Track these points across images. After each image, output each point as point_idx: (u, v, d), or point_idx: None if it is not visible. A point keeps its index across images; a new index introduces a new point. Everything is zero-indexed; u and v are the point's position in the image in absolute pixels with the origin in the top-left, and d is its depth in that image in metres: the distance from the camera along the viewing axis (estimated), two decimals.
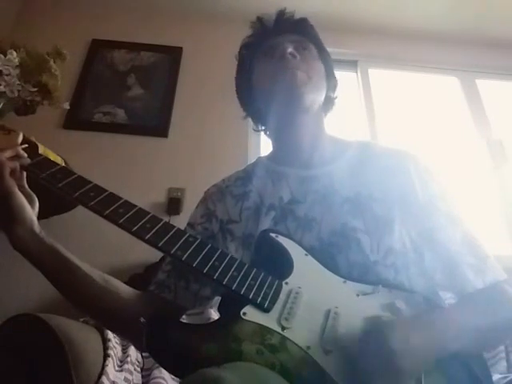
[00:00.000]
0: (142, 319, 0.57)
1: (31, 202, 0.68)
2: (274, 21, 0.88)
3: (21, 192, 0.65)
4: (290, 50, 0.80)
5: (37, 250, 0.65)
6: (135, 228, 0.60)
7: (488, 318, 0.62)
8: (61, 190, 0.63)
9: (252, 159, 1.82)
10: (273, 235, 0.70)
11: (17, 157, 0.66)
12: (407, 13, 2.30)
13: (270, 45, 0.85)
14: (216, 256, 0.62)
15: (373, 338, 0.54)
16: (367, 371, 0.52)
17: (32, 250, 0.65)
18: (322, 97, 0.85)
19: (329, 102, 0.90)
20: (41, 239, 0.66)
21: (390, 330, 0.54)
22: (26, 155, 0.67)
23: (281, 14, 0.88)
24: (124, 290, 0.76)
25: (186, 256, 0.60)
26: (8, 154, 0.64)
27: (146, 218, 0.62)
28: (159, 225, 0.62)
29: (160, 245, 0.60)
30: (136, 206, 0.64)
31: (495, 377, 0.95)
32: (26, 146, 0.70)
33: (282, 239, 0.70)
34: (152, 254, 1.40)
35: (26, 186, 0.69)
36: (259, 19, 0.89)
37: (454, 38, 2.38)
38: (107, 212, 0.61)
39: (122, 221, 0.60)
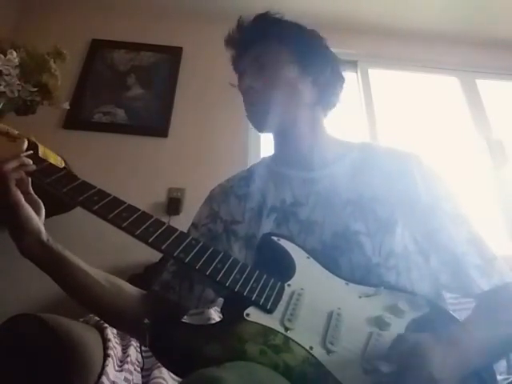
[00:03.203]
0: (146, 320, 0.57)
1: (37, 210, 0.68)
2: (241, 29, 0.87)
3: (27, 199, 0.66)
4: (247, 82, 0.81)
5: (45, 257, 0.67)
6: (138, 231, 0.61)
7: (503, 325, 0.62)
8: (66, 195, 0.64)
9: (252, 159, 1.85)
10: (275, 238, 0.71)
11: (22, 165, 0.66)
12: (407, 13, 2.30)
13: (239, 66, 0.88)
14: (219, 258, 0.62)
15: (412, 362, 0.51)
16: None
17: (40, 258, 0.67)
18: (300, 106, 0.82)
19: (323, 97, 0.85)
20: (48, 247, 0.67)
21: (430, 355, 0.52)
22: (30, 162, 0.67)
23: (255, 18, 0.86)
24: (129, 290, 0.78)
25: (188, 258, 0.60)
26: (12, 164, 0.64)
27: (149, 222, 0.63)
28: (162, 228, 0.63)
29: (163, 248, 0.61)
30: (139, 209, 0.65)
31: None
32: (31, 152, 0.71)
33: (283, 242, 0.70)
34: (152, 255, 1.40)
35: (32, 192, 0.69)
36: (238, 22, 0.88)
37: (454, 38, 2.38)
38: (111, 216, 0.62)
39: (125, 224, 0.61)
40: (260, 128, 0.83)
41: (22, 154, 0.68)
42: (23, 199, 0.65)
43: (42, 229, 0.67)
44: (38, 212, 0.68)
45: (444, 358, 0.53)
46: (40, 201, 0.70)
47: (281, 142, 0.87)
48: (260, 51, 0.83)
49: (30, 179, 0.69)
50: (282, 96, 0.80)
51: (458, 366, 0.54)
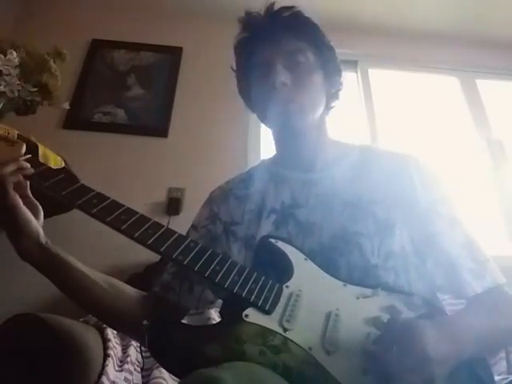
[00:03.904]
0: (145, 322, 0.58)
1: (36, 213, 0.69)
2: (265, 19, 0.82)
3: (26, 202, 0.66)
4: (281, 78, 0.76)
5: (43, 260, 0.67)
6: (137, 234, 0.61)
7: (494, 322, 0.63)
8: (64, 198, 0.64)
9: (252, 159, 1.84)
10: (272, 241, 0.71)
11: (19, 169, 0.66)
12: (407, 13, 2.30)
13: (262, 59, 0.81)
14: (217, 260, 0.62)
15: (404, 339, 0.52)
16: (398, 377, 0.50)
17: (39, 261, 0.67)
18: (320, 110, 0.82)
19: (330, 100, 0.87)
20: (47, 250, 0.67)
21: (423, 332, 0.52)
22: (28, 166, 0.67)
23: (271, 11, 0.82)
24: (129, 292, 0.78)
25: (187, 261, 0.61)
26: (10, 168, 0.64)
27: (148, 224, 0.63)
28: (161, 230, 0.63)
29: (162, 250, 0.61)
30: (138, 212, 0.65)
31: (495, 378, 0.95)
32: (30, 156, 0.71)
33: (281, 244, 0.71)
34: (152, 255, 1.39)
35: (31, 195, 0.70)
36: (248, 15, 0.84)
37: (454, 38, 2.38)
38: (109, 219, 0.62)
39: (124, 227, 0.61)
40: (297, 124, 0.78)
41: (20, 158, 0.68)
42: (21, 203, 0.65)
43: (41, 231, 0.67)
44: (36, 215, 0.68)
45: (437, 339, 0.53)
46: (38, 204, 0.70)
47: (285, 142, 0.86)
48: (295, 48, 0.80)
49: (28, 183, 0.69)
50: (312, 99, 0.79)
51: (452, 350, 0.55)
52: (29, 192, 0.69)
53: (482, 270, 0.70)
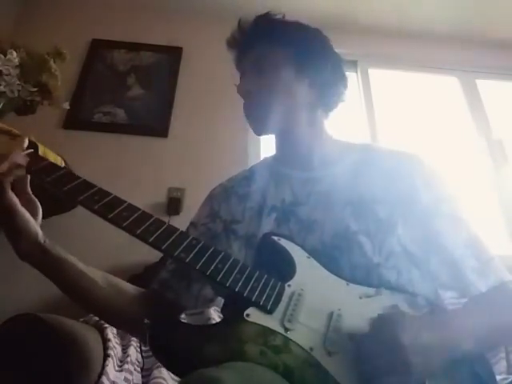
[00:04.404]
0: (146, 320, 0.57)
1: (34, 210, 0.68)
2: (242, 30, 0.86)
3: (24, 199, 0.66)
4: (245, 87, 0.81)
5: (42, 259, 0.67)
6: (139, 231, 0.61)
7: (496, 319, 0.63)
8: (66, 194, 0.64)
9: (252, 159, 1.84)
10: (275, 238, 0.70)
11: (15, 165, 0.65)
12: (407, 13, 2.30)
13: (238, 69, 0.88)
14: (219, 258, 0.62)
15: (382, 331, 0.53)
16: (374, 366, 0.51)
17: (38, 260, 0.67)
18: (296, 108, 0.82)
19: (324, 101, 0.85)
20: (46, 249, 0.67)
21: (401, 324, 0.53)
22: (24, 162, 0.66)
23: (255, 20, 0.85)
24: (128, 289, 0.78)
25: (189, 258, 0.60)
26: (4, 166, 0.63)
27: (150, 221, 0.63)
28: (163, 227, 0.62)
29: (164, 247, 0.60)
30: (139, 209, 0.64)
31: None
32: (31, 150, 0.70)
33: (284, 242, 0.70)
34: (152, 254, 1.40)
35: (30, 192, 0.69)
36: (238, 23, 0.87)
37: (454, 38, 2.38)
38: (111, 215, 0.61)
39: (125, 224, 0.61)
40: (258, 132, 0.83)
41: (22, 153, 0.67)
42: (19, 203, 0.64)
43: (39, 230, 0.67)
44: (34, 213, 0.67)
45: (419, 330, 0.53)
46: (37, 201, 0.70)
47: (281, 142, 0.88)
48: (259, 54, 0.83)
49: (28, 179, 0.68)
50: (278, 99, 0.80)
51: (443, 345, 0.55)
52: (28, 189, 0.68)
53: (486, 269, 0.69)
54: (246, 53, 0.85)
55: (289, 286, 0.64)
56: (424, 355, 0.52)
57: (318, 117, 0.85)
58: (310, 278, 0.66)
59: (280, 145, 0.88)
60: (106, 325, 1.04)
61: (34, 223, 0.66)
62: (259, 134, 0.85)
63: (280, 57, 0.82)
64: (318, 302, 0.62)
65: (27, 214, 0.65)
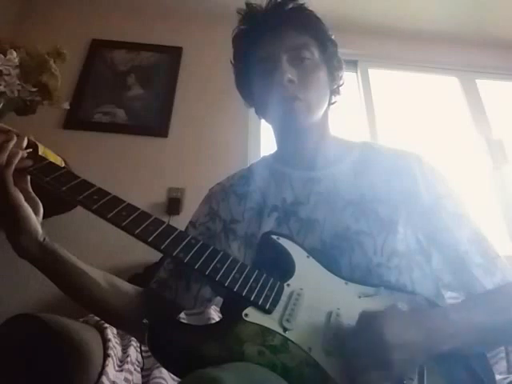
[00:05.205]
0: (145, 320, 0.57)
1: (36, 209, 0.67)
2: (267, 12, 0.80)
3: (26, 197, 0.65)
4: (288, 75, 0.74)
5: (41, 258, 0.66)
6: (138, 231, 0.61)
7: (493, 317, 0.62)
8: (65, 194, 0.63)
9: (252, 159, 1.84)
10: (274, 237, 0.70)
11: (13, 155, 0.64)
12: (407, 13, 2.30)
13: (266, 53, 0.79)
14: (218, 258, 0.62)
15: (365, 328, 0.53)
16: (357, 362, 0.51)
17: (36, 258, 0.66)
18: (324, 106, 0.82)
19: (332, 96, 0.86)
20: (45, 247, 0.66)
21: (385, 320, 0.53)
22: (20, 151, 0.65)
23: (273, 2, 0.80)
24: (127, 289, 0.78)
25: (188, 258, 0.60)
26: (2, 157, 0.62)
27: (149, 221, 0.63)
28: (162, 227, 0.62)
29: (162, 247, 0.60)
30: (139, 208, 0.64)
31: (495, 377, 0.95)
32: (31, 150, 0.70)
33: (283, 241, 0.70)
34: (152, 254, 1.40)
35: (31, 190, 0.68)
36: (249, 7, 0.82)
37: (454, 38, 2.38)
38: (110, 215, 0.61)
39: (124, 223, 0.61)
40: (304, 122, 0.77)
41: (21, 151, 0.67)
42: (23, 199, 0.64)
43: (39, 228, 0.66)
44: (36, 210, 0.67)
45: (402, 326, 0.53)
46: (38, 200, 0.69)
47: (287, 140, 0.85)
48: (300, 43, 0.79)
49: (29, 178, 0.68)
50: (318, 96, 0.79)
51: (426, 340, 0.54)
52: (29, 187, 0.68)
53: (491, 265, 0.69)
54: (275, 36, 0.79)
55: (288, 285, 0.64)
56: (408, 351, 0.51)
57: (327, 115, 0.86)
58: (309, 277, 0.66)
59: (284, 142, 0.87)
60: (106, 325, 1.04)
61: (35, 220, 0.66)
62: (303, 125, 0.78)
63: (317, 54, 0.81)
64: (317, 301, 0.62)
65: (29, 211, 0.65)
